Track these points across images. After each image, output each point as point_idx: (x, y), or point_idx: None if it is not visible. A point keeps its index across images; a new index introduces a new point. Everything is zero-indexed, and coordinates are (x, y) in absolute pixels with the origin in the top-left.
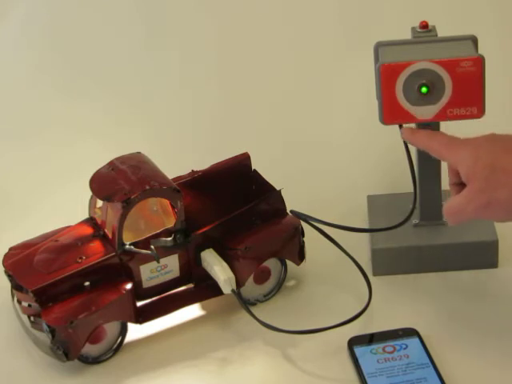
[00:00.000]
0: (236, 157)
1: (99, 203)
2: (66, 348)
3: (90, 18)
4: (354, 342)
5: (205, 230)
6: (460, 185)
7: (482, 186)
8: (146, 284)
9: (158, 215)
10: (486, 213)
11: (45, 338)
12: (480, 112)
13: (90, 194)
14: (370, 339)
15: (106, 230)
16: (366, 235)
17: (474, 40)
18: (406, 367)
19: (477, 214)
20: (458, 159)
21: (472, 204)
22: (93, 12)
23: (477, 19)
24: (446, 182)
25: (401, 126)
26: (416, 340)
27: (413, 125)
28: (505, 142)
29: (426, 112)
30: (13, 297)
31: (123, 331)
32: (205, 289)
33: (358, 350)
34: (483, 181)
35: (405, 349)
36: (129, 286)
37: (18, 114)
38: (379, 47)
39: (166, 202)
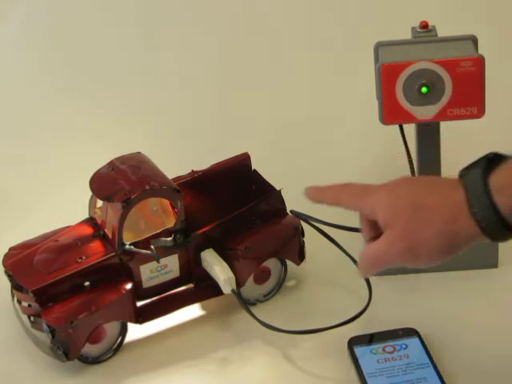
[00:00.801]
0: (236, 157)
1: (99, 203)
2: (66, 348)
3: (89, 18)
4: (354, 342)
5: (205, 229)
6: (378, 237)
7: (403, 229)
8: (146, 284)
9: (158, 215)
10: (408, 257)
11: (45, 338)
12: (480, 112)
13: (89, 194)
14: (370, 339)
15: (106, 230)
16: None
17: (474, 40)
18: (406, 367)
19: (400, 258)
20: (374, 204)
21: (394, 248)
22: (93, 12)
23: (477, 19)
24: None
25: (401, 126)
26: (416, 340)
27: (412, 125)
28: (423, 181)
29: (426, 112)
30: (13, 297)
31: (123, 331)
32: (205, 289)
33: (357, 350)
34: (404, 222)
35: (405, 349)
36: (129, 286)
37: (18, 113)
38: (379, 47)
39: (166, 202)
